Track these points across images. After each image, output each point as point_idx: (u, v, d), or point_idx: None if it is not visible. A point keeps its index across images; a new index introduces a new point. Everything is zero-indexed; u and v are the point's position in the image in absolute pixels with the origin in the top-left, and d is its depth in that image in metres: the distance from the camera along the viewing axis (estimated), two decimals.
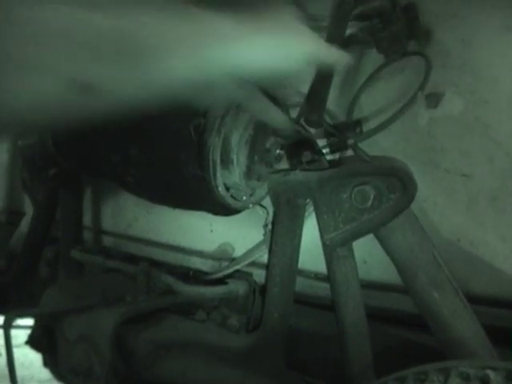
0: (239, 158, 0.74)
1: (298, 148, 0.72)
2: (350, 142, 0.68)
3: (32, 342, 1.01)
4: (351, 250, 0.70)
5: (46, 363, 1.10)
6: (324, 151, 0.70)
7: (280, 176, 0.72)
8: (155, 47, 0.34)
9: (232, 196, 0.78)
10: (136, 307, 0.90)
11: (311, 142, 0.73)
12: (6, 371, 0.80)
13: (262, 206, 0.87)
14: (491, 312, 0.71)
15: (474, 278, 0.73)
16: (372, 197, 0.66)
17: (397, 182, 0.65)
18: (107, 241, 1.25)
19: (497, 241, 0.72)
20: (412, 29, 0.73)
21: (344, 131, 0.70)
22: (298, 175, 0.71)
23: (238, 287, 0.89)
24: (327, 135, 0.72)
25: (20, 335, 1.01)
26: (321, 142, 0.73)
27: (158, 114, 0.78)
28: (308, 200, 0.73)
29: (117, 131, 0.86)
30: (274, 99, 0.81)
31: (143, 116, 0.84)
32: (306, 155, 0.70)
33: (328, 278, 0.71)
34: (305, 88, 0.83)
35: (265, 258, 0.83)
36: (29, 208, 1.33)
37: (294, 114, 0.84)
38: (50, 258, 1.29)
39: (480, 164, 0.72)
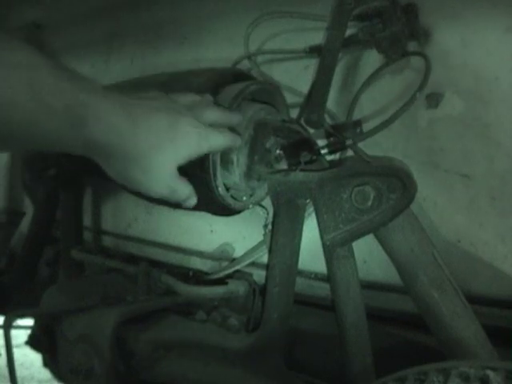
0: (239, 158, 0.74)
1: (297, 148, 0.72)
2: (349, 142, 0.68)
3: (32, 342, 1.01)
4: (351, 250, 0.70)
5: (46, 363, 1.10)
6: (323, 151, 0.70)
7: (280, 176, 0.72)
8: None
9: (232, 196, 0.78)
10: (136, 307, 0.90)
11: (310, 142, 0.73)
12: (5, 371, 0.80)
13: (262, 206, 0.87)
14: (491, 312, 0.71)
15: (474, 277, 0.73)
16: (372, 197, 0.66)
17: (397, 182, 0.65)
18: (107, 241, 1.25)
19: (497, 241, 0.72)
20: (412, 29, 0.73)
21: (343, 131, 0.70)
22: (298, 175, 0.71)
23: (238, 287, 0.89)
24: (327, 135, 0.72)
25: (20, 335, 1.01)
26: (321, 143, 0.73)
27: None
28: (308, 200, 0.73)
29: None
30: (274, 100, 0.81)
31: None
32: (305, 155, 0.70)
33: (328, 278, 0.71)
34: (305, 88, 0.83)
35: (265, 258, 0.83)
36: (29, 208, 1.33)
37: (294, 114, 0.85)
38: (49, 258, 1.29)
39: (480, 164, 0.72)
